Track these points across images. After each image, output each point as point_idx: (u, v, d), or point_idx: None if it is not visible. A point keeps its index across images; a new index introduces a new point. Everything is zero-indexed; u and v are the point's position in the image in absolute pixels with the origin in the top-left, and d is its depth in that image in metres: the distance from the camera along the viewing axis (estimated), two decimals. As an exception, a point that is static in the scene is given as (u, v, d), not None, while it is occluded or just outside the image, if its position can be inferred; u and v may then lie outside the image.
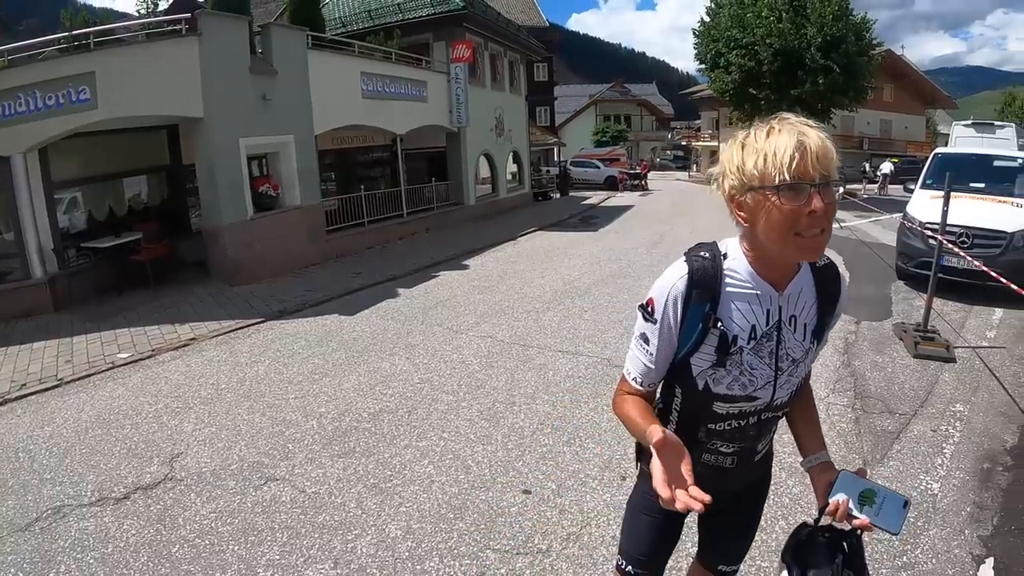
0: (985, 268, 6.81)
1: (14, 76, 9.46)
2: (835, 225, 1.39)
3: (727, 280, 1.51)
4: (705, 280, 1.51)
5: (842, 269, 1.62)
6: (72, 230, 10.96)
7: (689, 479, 1.35)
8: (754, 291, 1.51)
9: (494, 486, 4.16)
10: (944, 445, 4.59)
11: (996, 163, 10.22)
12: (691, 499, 1.32)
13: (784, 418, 1.78)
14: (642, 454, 1.89)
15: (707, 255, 1.54)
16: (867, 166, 33.85)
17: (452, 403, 5.61)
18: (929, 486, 4.03)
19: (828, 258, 1.59)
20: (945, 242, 7.02)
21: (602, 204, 26.36)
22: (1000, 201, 9.15)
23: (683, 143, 62.67)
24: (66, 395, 6.30)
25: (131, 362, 7.23)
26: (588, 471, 4.33)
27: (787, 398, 1.65)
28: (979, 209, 8.89)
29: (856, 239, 14.04)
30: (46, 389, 6.48)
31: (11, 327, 8.83)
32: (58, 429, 5.46)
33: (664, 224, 18.81)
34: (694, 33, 28.47)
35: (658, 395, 1.76)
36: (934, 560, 3.31)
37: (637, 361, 1.63)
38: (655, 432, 1.39)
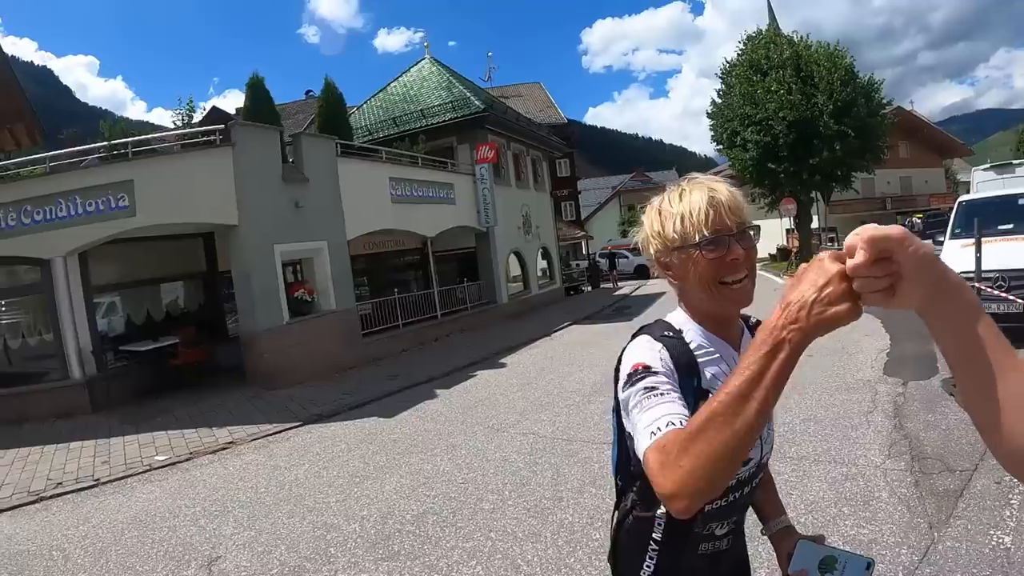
0: None
1: (55, 183, 10.01)
2: None
3: (696, 352, 1.47)
4: (683, 356, 1.43)
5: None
6: (111, 333, 11.23)
7: None
8: (717, 354, 1.49)
9: (548, 586, 3.87)
10: (1010, 496, 4.33)
11: (1021, 201, 10.07)
12: None
13: None
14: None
15: (670, 334, 1.47)
16: (913, 220, 33.12)
17: (497, 502, 5.37)
18: (1001, 540, 3.77)
19: (758, 319, 1.61)
20: (984, 288, 6.86)
21: (634, 293, 26.17)
22: None
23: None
24: (103, 495, 6.23)
25: (168, 464, 7.19)
26: (643, 564, 4.04)
27: (770, 452, 1.60)
28: (1012, 251, 8.67)
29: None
30: (82, 488, 6.46)
31: (49, 426, 8.89)
32: (94, 529, 5.39)
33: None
34: (708, 115, 28.85)
35: (636, 505, 1.55)
36: (1013, 623, 2.96)
37: (658, 410, 1.23)
38: None
